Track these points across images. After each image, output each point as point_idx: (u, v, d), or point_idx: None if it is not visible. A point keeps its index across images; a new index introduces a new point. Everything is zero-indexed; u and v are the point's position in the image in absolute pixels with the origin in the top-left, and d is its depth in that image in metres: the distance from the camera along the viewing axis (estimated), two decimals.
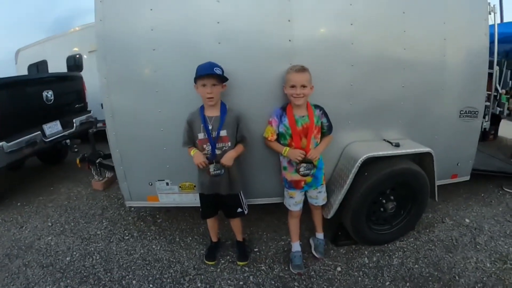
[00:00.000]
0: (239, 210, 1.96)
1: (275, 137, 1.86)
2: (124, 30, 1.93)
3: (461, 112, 2.29)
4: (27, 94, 3.44)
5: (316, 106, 1.86)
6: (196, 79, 1.73)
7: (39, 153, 4.10)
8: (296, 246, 2.07)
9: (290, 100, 1.82)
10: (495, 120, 3.37)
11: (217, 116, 1.78)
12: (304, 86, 1.74)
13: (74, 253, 2.34)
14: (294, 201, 1.97)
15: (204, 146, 1.79)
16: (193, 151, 1.80)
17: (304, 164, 1.80)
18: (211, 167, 1.76)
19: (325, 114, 1.88)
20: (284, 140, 1.86)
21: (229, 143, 1.79)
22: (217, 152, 1.78)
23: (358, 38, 1.96)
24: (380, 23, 1.99)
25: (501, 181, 3.03)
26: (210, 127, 1.76)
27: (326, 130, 1.91)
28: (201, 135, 1.78)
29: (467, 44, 2.19)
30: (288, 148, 1.81)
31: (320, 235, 2.16)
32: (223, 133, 1.77)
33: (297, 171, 1.81)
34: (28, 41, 6.30)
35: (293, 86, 1.75)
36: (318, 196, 1.99)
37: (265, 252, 2.20)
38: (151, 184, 2.15)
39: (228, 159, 1.76)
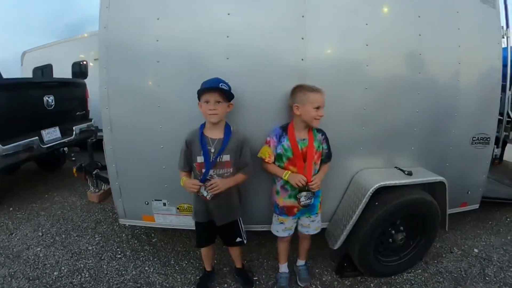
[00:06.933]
0: (238, 239, 1.81)
1: (272, 159, 1.72)
2: (129, 39, 1.84)
3: (473, 138, 2.21)
4: (27, 98, 3.35)
5: (319, 130, 1.74)
6: (199, 95, 1.59)
7: (36, 158, 4.01)
8: (283, 268, 2.01)
9: (308, 122, 1.65)
10: (501, 144, 3.31)
11: (220, 138, 1.62)
12: None
13: (63, 268, 2.22)
14: (283, 227, 1.84)
15: (203, 170, 1.62)
16: (182, 180, 1.64)
17: (305, 193, 1.66)
18: (202, 189, 1.60)
19: (326, 140, 1.75)
20: (279, 162, 1.73)
21: (231, 169, 1.65)
22: (217, 178, 1.62)
23: (373, 59, 1.85)
24: (396, 45, 1.90)
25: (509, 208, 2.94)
26: (212, 150, 1.61)
27: (324, 157, 1.77)
28: (200, 159, 1.62)
29: (480, 68, 2.12)
30: (289, 172, 1.67)
31: (301, 262, 2.06)
32: (226, 157, 1.62)
33: (298, 200, 1.69)
34: (37, 44, 6.28)
35: (318, 108, 1.61)
36: (311, 225, 1.86)
37: (265, 282, 2.06)
38: (147, 203, 2.03)
39: (221, 184, 1.57)
